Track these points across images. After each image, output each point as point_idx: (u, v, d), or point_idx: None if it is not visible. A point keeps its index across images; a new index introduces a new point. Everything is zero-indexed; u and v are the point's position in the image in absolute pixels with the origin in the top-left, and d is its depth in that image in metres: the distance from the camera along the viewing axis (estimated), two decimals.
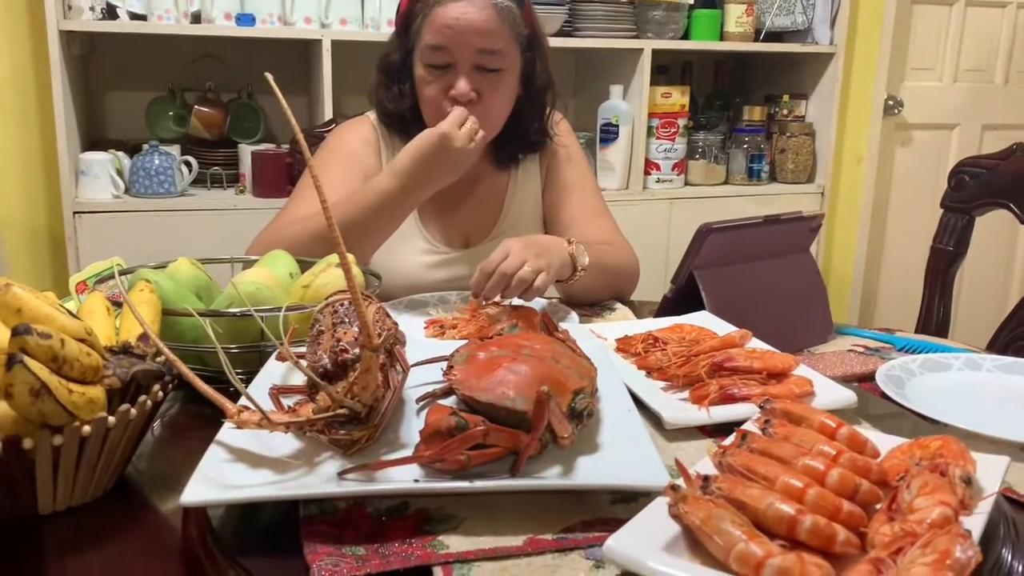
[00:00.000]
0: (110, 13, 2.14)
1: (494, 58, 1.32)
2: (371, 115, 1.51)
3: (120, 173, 2.18)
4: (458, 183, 1.36)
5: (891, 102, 2.97)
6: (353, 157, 1.44)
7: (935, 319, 1.59)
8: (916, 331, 1.56)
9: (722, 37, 2.61)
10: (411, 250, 1.44)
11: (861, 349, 1.18)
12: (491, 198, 1.50)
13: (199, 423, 0.92)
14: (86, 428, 0.68)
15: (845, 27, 2.68)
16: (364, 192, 1.29)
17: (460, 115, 1.27)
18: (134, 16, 2.17)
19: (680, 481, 0.64)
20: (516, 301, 1.23)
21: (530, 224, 1.51)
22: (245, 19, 2.16)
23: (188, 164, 2.24)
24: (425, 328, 1.17)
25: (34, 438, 0.67)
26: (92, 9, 2.07)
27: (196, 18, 2.19)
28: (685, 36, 2.59)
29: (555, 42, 2.41)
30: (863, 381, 1.04)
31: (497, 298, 1.18)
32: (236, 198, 2.26)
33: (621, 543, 0.58)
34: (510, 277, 1.16)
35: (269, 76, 0.77)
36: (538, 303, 1.24)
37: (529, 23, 1.38)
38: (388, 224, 1.31)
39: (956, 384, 1.03)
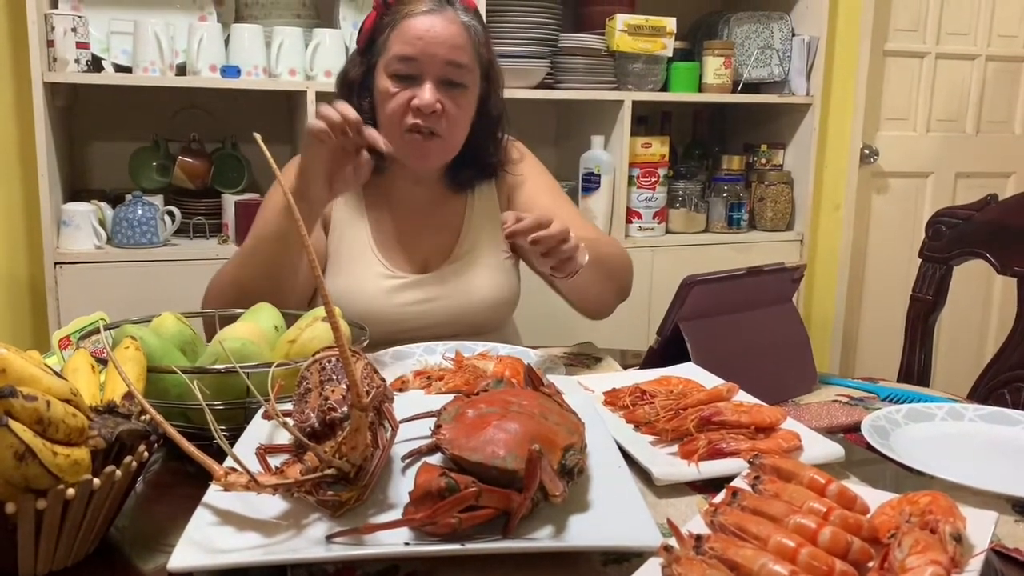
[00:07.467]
0: (95, 65, 2.14)
1: (460, 72, 1.36)
2: None
3: (103, 223, 2.17)
4: (414, 209, 1.36)
5: (867, 151, 3.02)
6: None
7: (917, 367, 1.60)
8: (898, 380, 1.57)
9: (701, 88, 2.66)
10: (369, 275, 1.44)
11: (845, 399, 1.18)
12: (449, 222, 1.50)
13: (182, 481, 0.91)
14: (70, 491, 0.67)
15: (821, 79, 2.73)
16: (267, 214, 1.34)
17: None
18: (119, 68, 2.18)
19: (673, 541, 0.63)
20: (504, 351, 1.22)
21: (490, 246, 1.51)
22: (230, 71, 2.18)
23: (171, 214, 2.24)
24: (412, 379, 1.16)
25: (17, 502, 0.65)
26: (77, 61, 2.07)
27: (181, 70, 2.20)
28: (664, 87, 2.63)
29: (537, 94, 2.45)
30: (848, 432, 1.05)
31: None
32: (219, 248, 2.25)
33: None
34: (567, 231, 1.15)
35: (258, 136, 0.78)
36: (526, 356, 1.24)
37: (488, 51, 1.42)
38: (293, 240, 1.28)
39: (940, 434, 1.04)
